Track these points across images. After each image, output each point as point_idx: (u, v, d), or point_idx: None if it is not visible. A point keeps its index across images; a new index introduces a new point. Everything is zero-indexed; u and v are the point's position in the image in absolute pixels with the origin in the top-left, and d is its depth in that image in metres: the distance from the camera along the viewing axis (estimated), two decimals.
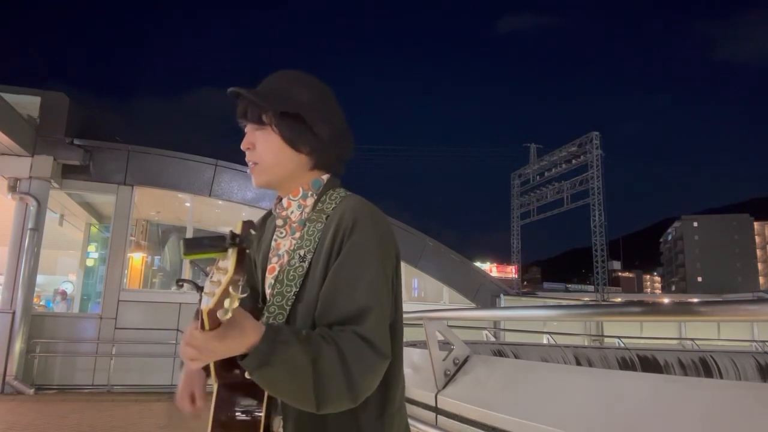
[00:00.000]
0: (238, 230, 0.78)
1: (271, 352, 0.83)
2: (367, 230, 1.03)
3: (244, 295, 0.77)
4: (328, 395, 0.88)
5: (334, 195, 1.13)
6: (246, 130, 1.15)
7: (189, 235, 12.03)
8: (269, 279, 1.12)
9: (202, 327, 0.80)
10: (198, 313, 0.82)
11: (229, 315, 0.76)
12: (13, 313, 9.77)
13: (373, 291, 0.99)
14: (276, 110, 1.10)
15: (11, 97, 9.71)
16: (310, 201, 1.14)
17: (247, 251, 0.78)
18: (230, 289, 0.74)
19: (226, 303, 0.75)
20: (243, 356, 0.85)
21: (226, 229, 0.81)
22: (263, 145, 1.12)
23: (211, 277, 0.78)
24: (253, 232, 0.78)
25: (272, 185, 1.16)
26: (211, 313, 0.77)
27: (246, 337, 0.83)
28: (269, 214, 1.23)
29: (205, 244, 0.79)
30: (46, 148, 10.42)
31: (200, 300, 0.80)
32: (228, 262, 0.76)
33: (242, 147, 1.15)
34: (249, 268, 1.18)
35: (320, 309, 1.00)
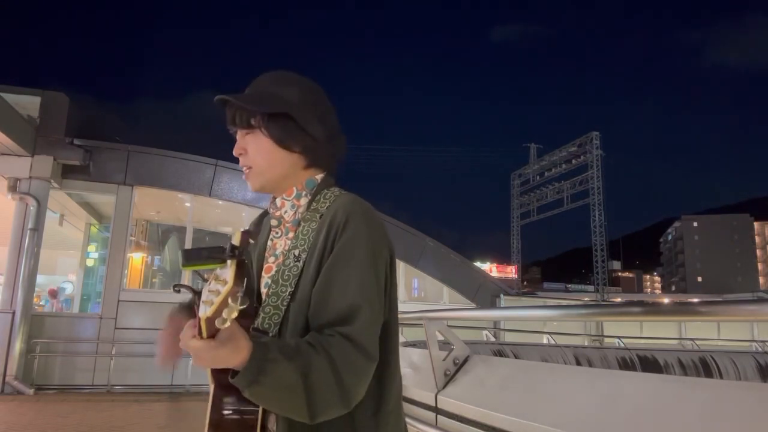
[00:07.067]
0: (236, 241, 0.78)
1: (260, 371, 0.84)
2: (360, 228, 1.03)
3: (243, 306, 0.77)
4: (321, 407, 0.89)
5: (328, 194, 1.13)
6: (237, 136, 1.15)
7: (189, 235, 12.04)
8: (266, 279, 1.12)
9: (200, 334, 0.81)
10: (196, 320, 0.82)
11: (228, 324, 0.76)
12: (13, 313, 9.76)
13: (364, 290, 0.99)
14: (264, 112, 1.09)
15: (11, 97, 9.69)
16: (303, 201, 1.14)
17: (246, 262, 0.78)
18: (229, 300, 0.75)
19: (225, 313, 0.75)
20: (235, 373, 0.85)
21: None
22: (254, 148, 1.12)
23: (209, 285, 0.78)
24: (251, 241, 0.79)
25: (268, 188, 1.15)
26: (209, 321, 0.77)
27: (238, 354, 0.83)
28: (266, 213, 1.23)
29: (204, 255, 0.80)
30: (46, 148, 10.41)
31: (198, 307, 0.80)
32: (227, 272, 0.77)
33: (234, 153, 1.15)
34: (248, 276, 1.18)
35: (313, 308, 1.00)
